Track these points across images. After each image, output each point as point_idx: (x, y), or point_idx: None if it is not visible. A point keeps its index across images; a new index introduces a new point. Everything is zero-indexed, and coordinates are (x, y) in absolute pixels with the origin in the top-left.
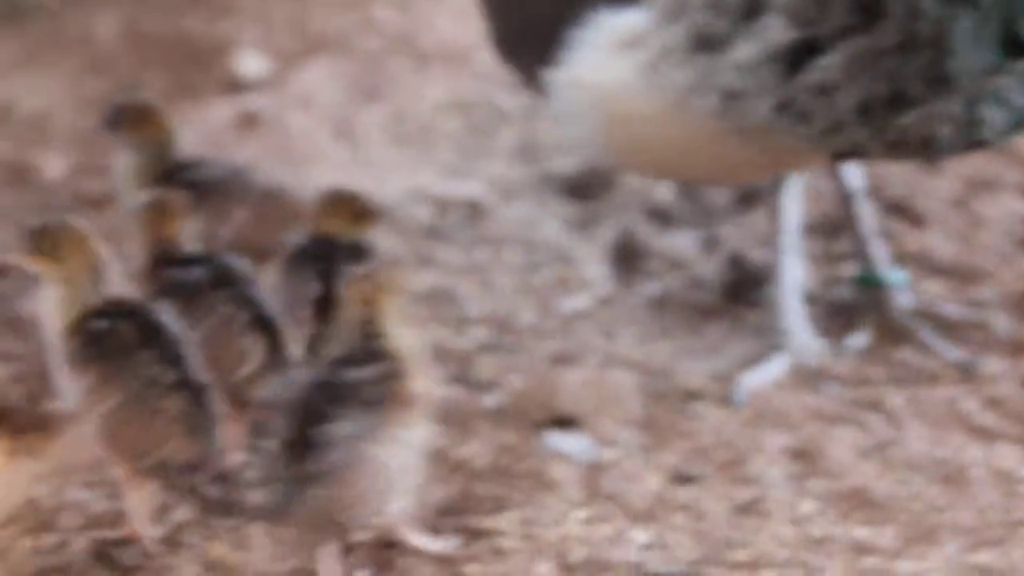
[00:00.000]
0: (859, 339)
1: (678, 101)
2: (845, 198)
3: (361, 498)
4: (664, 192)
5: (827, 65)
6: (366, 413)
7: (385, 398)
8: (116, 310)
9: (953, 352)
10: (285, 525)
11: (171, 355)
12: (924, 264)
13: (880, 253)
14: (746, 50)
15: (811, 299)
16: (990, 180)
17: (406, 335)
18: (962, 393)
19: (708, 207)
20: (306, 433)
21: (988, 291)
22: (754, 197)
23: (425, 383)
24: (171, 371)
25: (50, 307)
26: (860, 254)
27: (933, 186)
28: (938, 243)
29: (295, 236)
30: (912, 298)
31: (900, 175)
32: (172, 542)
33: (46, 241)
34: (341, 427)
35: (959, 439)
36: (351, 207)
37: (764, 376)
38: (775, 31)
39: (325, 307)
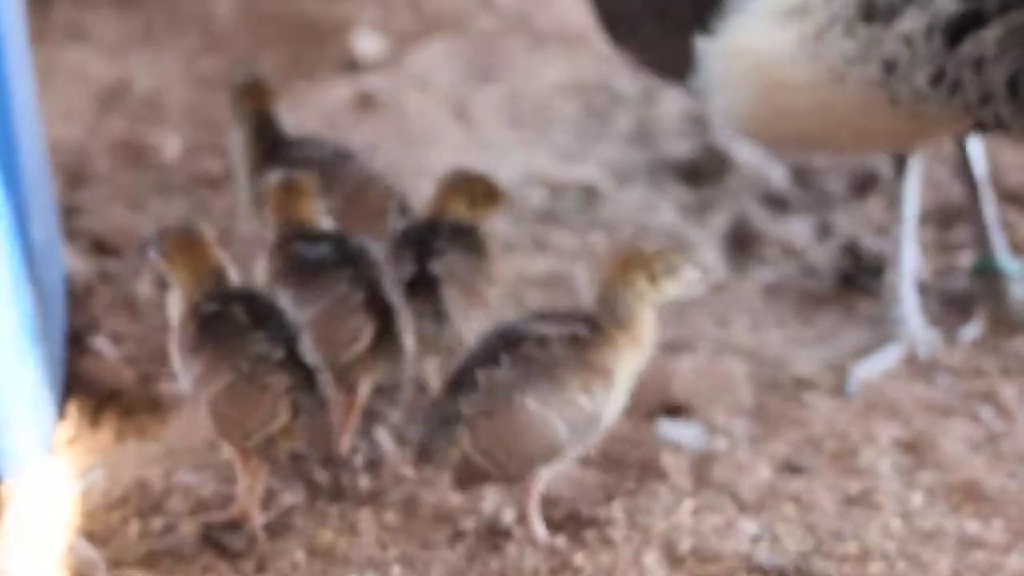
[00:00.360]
0: (973, 330)
1: (838, 70)
2: (970, 184)
3: (510, 449)
4: (779, 178)
5: (985, 38)
6: (536, 369)
7: (570, 360)
8: (228, 294)
9: None
10: (435, 467)
11: (282, 336)
12: None
13: (1000, 242)
14: (913, 20)
15: (925, 289)
16: None
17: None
18: None
19: (822, 194)
20: (465, 372)
21: None
22: (869, 184)
23: (627, 361)
24: (280, 350)
25: (174, 305)
26: (980, 242)
27: None
28: None
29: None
30: None
31: (1016, 164)
32: (280, 527)
33: (169, 244)
34: (500, 373)
35: None
36: (478, 188)
37: (876, 366)
38: (944, 2)
39: (420, 289)
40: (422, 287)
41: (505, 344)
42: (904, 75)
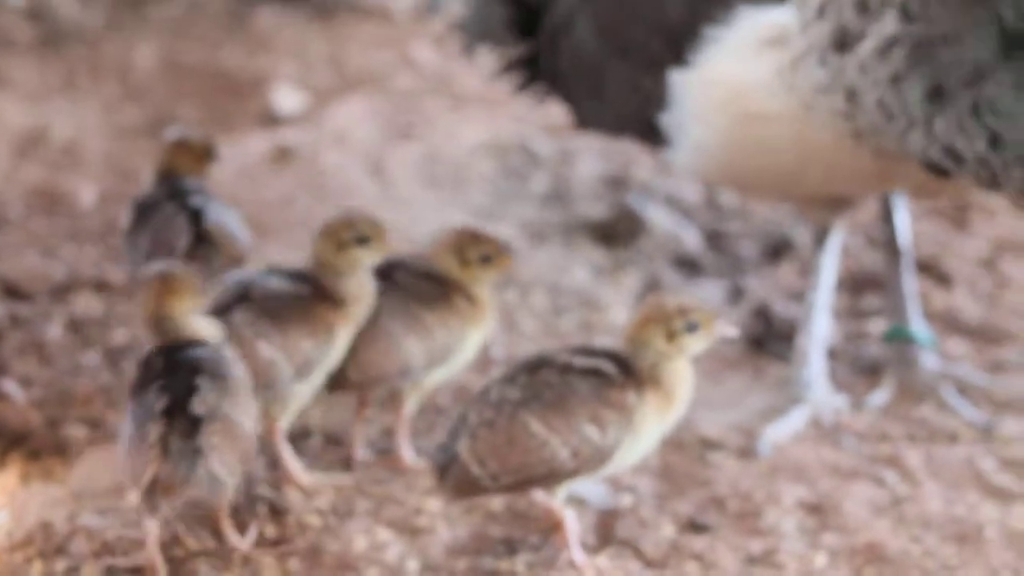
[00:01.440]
0: (881, 395)
1: (809, 101)
2: (892, 251)
3: (504, 462)
4: (692, 242)
5: (895, 56)
6: (548, 393)
7: (584, 390)
8: (169, 344)
9: (972, 412)
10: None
11: (177, 385)
12: (949, 323)
13: (915, 311)
14: (867, 46)
15: (835, 354)
16: (1018, 241)
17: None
18: (979, 452)
19: (735, 258)
20: (486, 390)
21: (1011, 352)
22: (781, 250)
23: (654, 412)
24: (164, 400)
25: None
26: (895, 309)
27: (962, 246)
28: (964, 303)
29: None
30: (937, 359)
31: (931, 235)
32: (185, 572)
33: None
34: (512, 391)
35: (974, 498)
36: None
37: (785, 429)
38: (889, 24)
39: None
40: None
41: (528, 368)
42: (861, 104)
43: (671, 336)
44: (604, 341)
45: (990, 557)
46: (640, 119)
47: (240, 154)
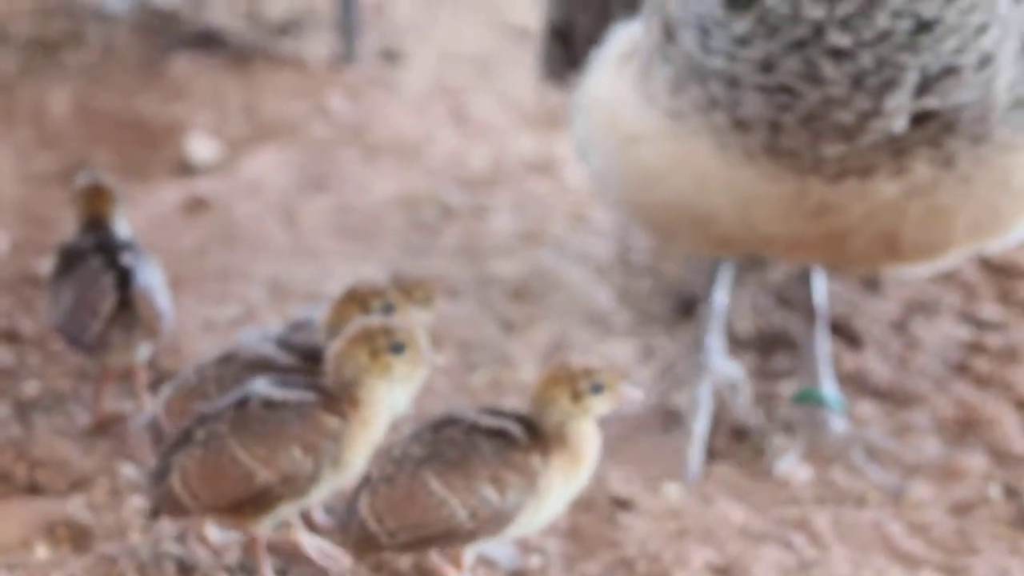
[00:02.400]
0: (789, 459)
1: (668, 104)
2: (807, 312)
3: (402, 519)
4: (604, 299)
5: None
6: (450, 452)
7: (488, 452)
8: None
9: (882, 475)
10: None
11: None
12: (859, 385)
13: (827, 373)
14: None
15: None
16: (928, 303)
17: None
18: (888, 517)
19: (646, 315)
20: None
21: (921, 415)
22: (692, 307)
23: (561, 475)
24: None
25: None
26: (808, 371)
27: (872, 307)
28: (874, 365)
29: None
30: (846, 422)
31: (842, 295)
32: None
33: None
34: (414, 448)
35: (882, 563)
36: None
37: (693, 405)
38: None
39: None
40: None
41: (433, 426)
42: (709, 86)
43: (577, 397)
44: (514, 399)
45: None
46: None
47: (154, 203)
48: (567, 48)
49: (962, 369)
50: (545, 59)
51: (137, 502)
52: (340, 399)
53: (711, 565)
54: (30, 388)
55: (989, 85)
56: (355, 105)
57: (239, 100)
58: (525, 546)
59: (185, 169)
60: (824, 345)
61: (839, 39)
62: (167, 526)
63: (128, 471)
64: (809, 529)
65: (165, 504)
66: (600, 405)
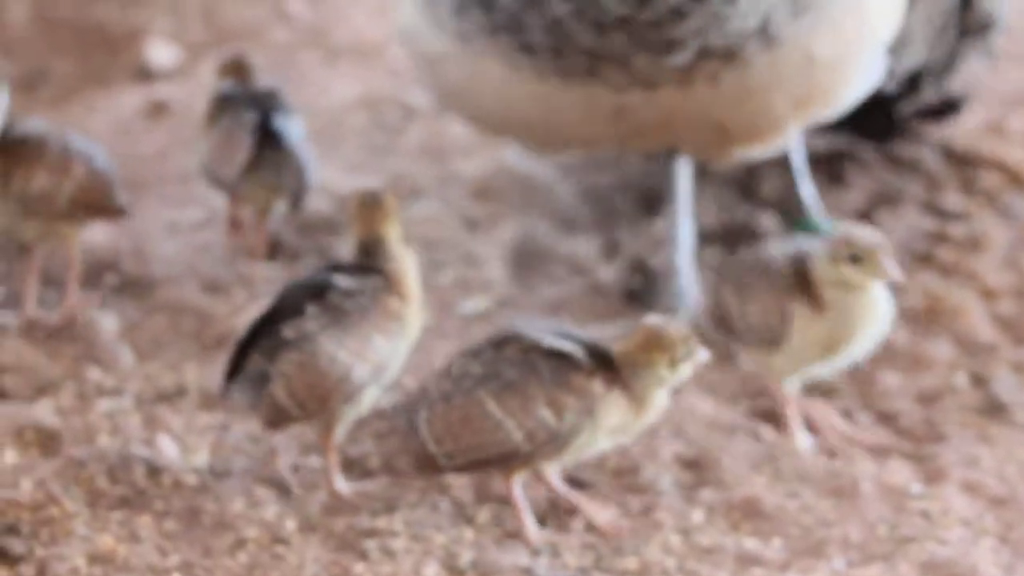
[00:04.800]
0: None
1: (453, 28)
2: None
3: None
4: (568, 196)
5: None
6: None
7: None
8: None
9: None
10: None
11: None
12: None
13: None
14: None
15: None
16: (892, 193)
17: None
18: (857, 407)
19: (610, 212)
20: None
21: None
22: (655, 203)
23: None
24: None
25: None
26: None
27: (836, 199)
28: None
29: None
30: None
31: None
32: (60, 532)
33: None
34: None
35: (851, 453)
36: None
37: None
38: None
39: None
40: None
41: (494, 343)
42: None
43: (673, 363)
44: (480, 298)
45: (865, 512)
46: None
47: (114, 108)
48: None
49: (926, 259)
50: None
51: (104, 406)
52: None
53: (680, 457)
54: None
55: None
56: (315, 8)
57: (198, 5)
58: None
59: (145, 75)
60: (808, 184)
61: None
62: (134, 426)
63: (95, 375)
64: (777, 420)
65: None
66: (686, 371)
